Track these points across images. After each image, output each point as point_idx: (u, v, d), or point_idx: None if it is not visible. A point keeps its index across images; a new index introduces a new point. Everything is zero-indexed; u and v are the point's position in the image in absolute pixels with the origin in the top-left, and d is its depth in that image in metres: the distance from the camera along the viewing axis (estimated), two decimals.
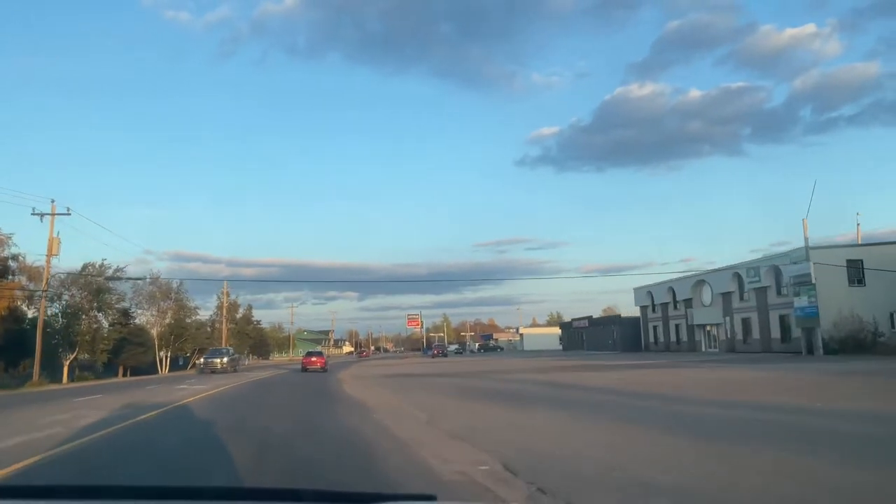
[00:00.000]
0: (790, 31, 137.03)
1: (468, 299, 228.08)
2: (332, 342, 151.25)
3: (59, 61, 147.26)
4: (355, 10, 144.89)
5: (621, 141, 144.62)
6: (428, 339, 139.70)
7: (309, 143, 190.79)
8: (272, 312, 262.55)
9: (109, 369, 56.39)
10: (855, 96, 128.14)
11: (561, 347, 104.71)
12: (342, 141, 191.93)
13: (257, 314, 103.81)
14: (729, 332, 53.05)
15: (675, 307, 62.40)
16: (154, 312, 70.02)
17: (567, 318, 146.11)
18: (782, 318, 45.95)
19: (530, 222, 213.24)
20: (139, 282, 68.98)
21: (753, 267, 48.84)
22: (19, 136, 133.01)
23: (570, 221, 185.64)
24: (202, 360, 48.60)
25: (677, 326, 62.13)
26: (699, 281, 58.13)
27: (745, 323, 51.00)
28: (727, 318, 53.41)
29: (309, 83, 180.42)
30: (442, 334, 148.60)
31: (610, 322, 76.60)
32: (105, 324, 55.38)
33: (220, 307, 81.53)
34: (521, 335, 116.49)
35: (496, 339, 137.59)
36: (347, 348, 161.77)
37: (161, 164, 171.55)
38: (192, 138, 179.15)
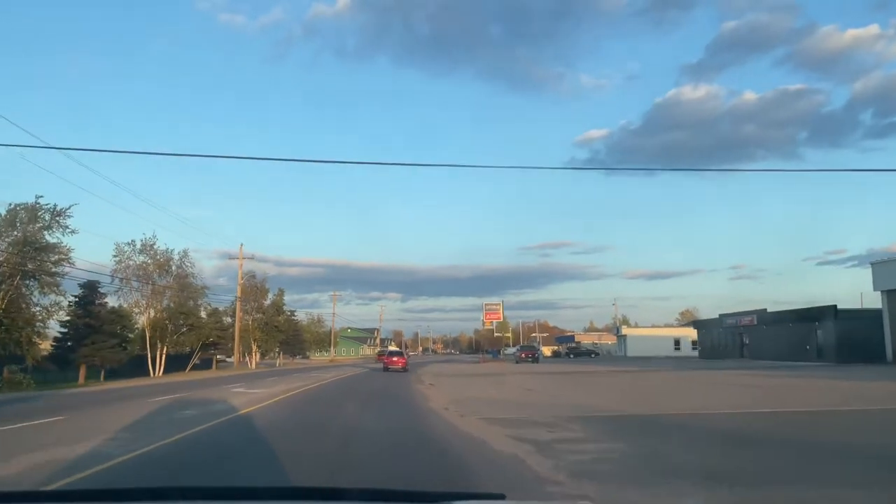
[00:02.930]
0: (852, 32, 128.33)
1: (510, 303, 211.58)
2: (378, 341, 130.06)
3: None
4: (404, 12, 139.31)
5: (672, 144, 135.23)
6: (490, 340, 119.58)
7: (354, 144, 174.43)
8: (311, 312, 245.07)
9: (67, 370, 37.06)
10: None
11: (679, 352, 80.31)
12: (387, 141, 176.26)
13: (298, 313, 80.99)
14: None
15: None
16: (145, 292, 48.91)
17: (631, 322, 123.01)
18: None
19: (575, 225, 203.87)
20: (126, 248, 48.32)
21: None
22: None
23: (616, 225, 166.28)
24: None
25: None
26: None
27: None
28: None
29: (357, 84, 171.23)
30: (508, 335, 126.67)
31: (810, 317, 51.12)
32: (38, 299, 33.48)
33: (238, 296, 59.64)
34: (624, 337, 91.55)
35: (578, 342, 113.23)
36: (392, 348, 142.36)
37: (204, 164, 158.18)
38: (239, 139, 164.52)
